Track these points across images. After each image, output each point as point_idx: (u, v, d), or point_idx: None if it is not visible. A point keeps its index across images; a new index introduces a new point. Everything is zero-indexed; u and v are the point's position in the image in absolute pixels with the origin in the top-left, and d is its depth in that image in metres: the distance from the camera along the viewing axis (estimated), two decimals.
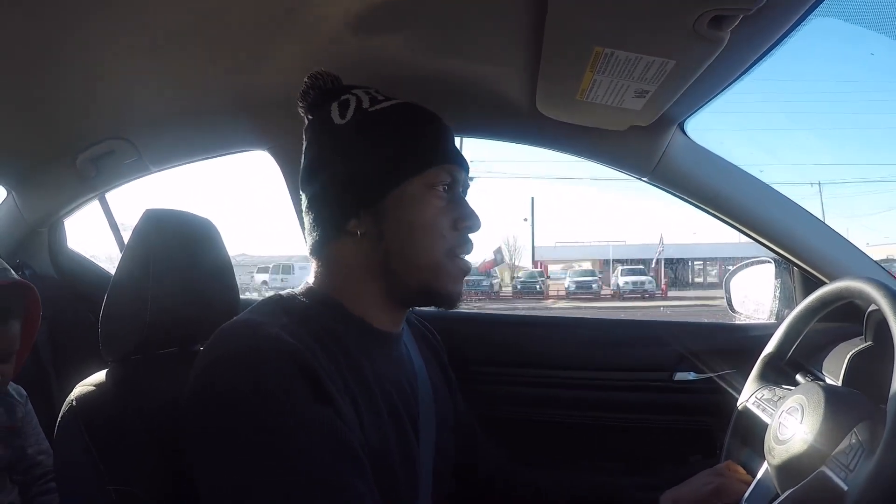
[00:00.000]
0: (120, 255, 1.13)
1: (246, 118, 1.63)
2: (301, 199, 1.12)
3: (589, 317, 2.27)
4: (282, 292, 1.08)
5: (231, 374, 0.83)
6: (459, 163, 1.11)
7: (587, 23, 1.00)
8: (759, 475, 1.15)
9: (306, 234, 1.10)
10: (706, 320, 2.15)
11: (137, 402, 1.02)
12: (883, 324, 1.01)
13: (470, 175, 1.17)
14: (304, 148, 1.12)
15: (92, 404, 1.00)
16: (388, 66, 1.34)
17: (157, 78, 1.43)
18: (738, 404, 1.33)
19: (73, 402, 1.01)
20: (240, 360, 0.84)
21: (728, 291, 2.05)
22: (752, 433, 1.27)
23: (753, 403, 1.26)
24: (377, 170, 1.03)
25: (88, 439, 0.96)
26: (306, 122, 1.13)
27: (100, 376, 1.06)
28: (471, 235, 1.11)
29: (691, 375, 1.79)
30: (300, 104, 1.13)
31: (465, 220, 1.09)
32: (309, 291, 1.07)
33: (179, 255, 1.13)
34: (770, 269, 1.85)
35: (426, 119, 1.11)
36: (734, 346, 1.77)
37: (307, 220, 1.09)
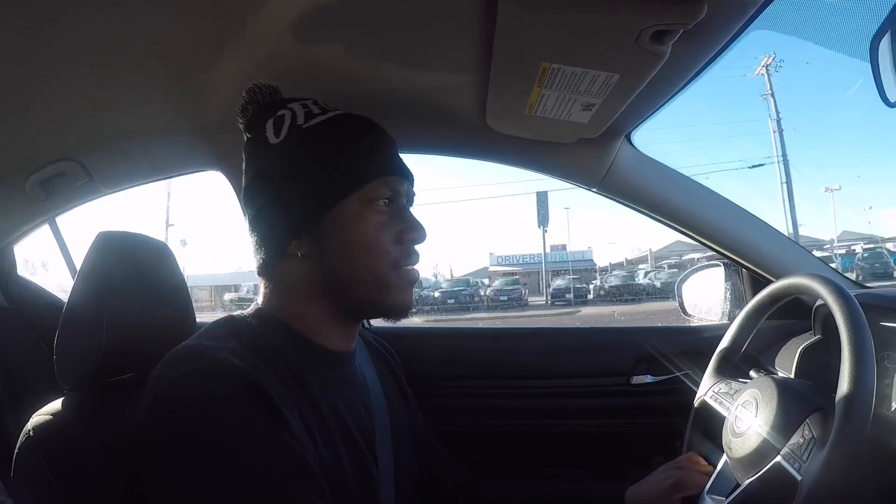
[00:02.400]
0: (72, 281, 1.11)
1: (197, 139, 1.61)
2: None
3: (544, 326, 2.30)
4: (233, 314, 1.07)
5: (182, 399, 0.83)
6: (400, 173, 1.10)
7: (535, 39, 1.02)
8: (718, 467, 1.18)
9: (252, 255, 1.09)
10: (660, 324, 2.19)
11: (96, 430, 1.00)
12: (830, 318, 1.05)
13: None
14: (243, 167, 1.10)
15: (50, 433, 0.98)
16: (337, 83, 1.33)
17: (107, 98, 1.41)
18: (696, 399, 1.36)
19: (31, 433, 0.99)
20: (190, 384, 0.84)
21: (680, 295, 2.09)
22: (710, 426, 1.31)
23: (711, 397, 1.30)
24: (313, 190, 1.02)
25: (48, 469, 0.95)
26: (245, 139, 1.11)
27: (56, 405, 1.03)
28: (416, 246, 1.10)
29: (648, 378, 1.82)
30: (240, 120, 1.11)
31: (408, 233, 1.07)
32: (258, 313, 1.06)
33: (134, 278, 1.11)
34: (720, 272, 1.89)
35: (362, 131, 1.09)
36: (688, 347, 1.81)
37: (251, 241, 1.08)
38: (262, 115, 1.08)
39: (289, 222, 1.03)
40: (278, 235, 1.04)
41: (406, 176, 1.11)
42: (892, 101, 1.04)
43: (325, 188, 1.02)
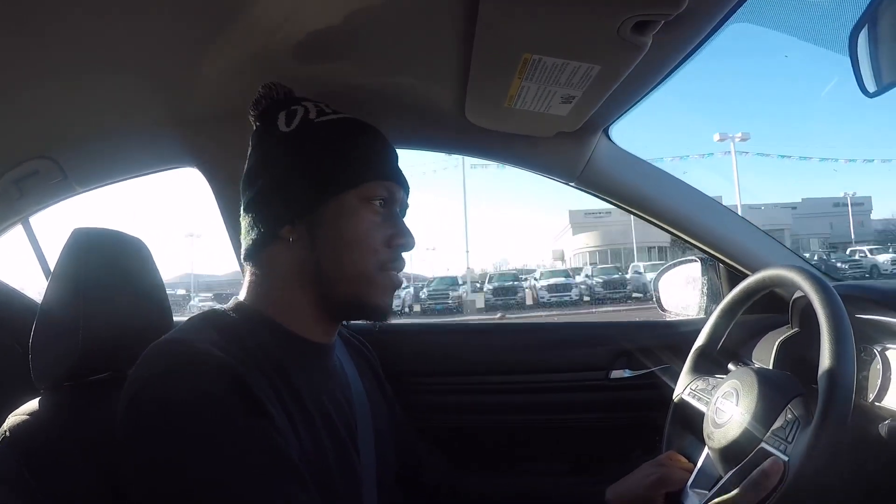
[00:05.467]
0: (46, 281, 1.09)
1: (175, 135, 1.59)
2: (240, 205, 1.12)
3: (521, 322, 2.29)
4: (209, 309, 1.07)
5: (164, 391, 0.83)
6: (399, 181, 1.12)
7: (516, 30, 1.02)
8: (700, 461, 1.19)
9: (242, 238, 1.10)
10: (638, 319, 2.20)
11: (74, 430, 0.99)
12: (807, 310, 1.06)
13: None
14: (248, 153, 1.12)
15: (27, 433, 0.97)
16: (317, 78, 1.32)
17: (84, 96, 1.39)
18: (674, 396, 1.37)
19: (7, 433, 0.97)
20: (172, 377, 0.84)
21: (657, 291, 2.11)
22: (690, 422, 1.31)
23: (689, 395, 1.31)
24: (315, 179, 1.04)
25: (26, 469, 0.93)
26: (254, 127, 1.14)
27: (33, 405, 1.02)
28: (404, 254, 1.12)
29: (626, 373, 1.83)
30: (251, 112, 1.14)
31: (398, 238, 1.09)
32: (239, 306, 1.07)
33: (111, 275, 1.10)
34: (696, 267, 1.91)
35: (369, 134, 1.13)
36: (667, 342, 1.81)
37: (244, 223, 1.09)
38: (274, 107, 1.11)
39: (286, 207, 1.04)
40: (273, 218, 1.05)
41: (403, 185, 1.14)
42: (871, 91, 1.05)
43: (328, 179, 1.04)
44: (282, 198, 1.05)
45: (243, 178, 1.12)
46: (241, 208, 1.10)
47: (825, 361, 0.95)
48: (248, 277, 1.09)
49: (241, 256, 1.10)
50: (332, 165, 1.05)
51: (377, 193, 1.07)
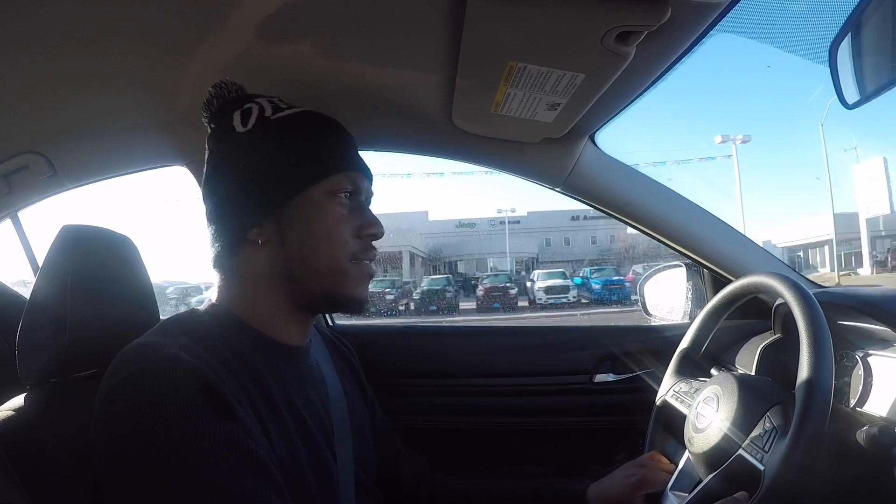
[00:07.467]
0: (34, 277, 1.09)
1: (165, 133, 1.59)
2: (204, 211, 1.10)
3: (506, 325, 2.30)
4: (183, 311, 1.07)
5: (133, 395, 0.83)
6: (362, 171, 1.12)
7: (502, 37, 1.02)
8: (680, 464, 1.20)
9: (209, 247, 1.09)
10: (623, 324, 2.21)
11: (59, 426, 0.98)
12: (790, 317, 1.07)
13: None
14: (206, 157, 1.10)
15: (12, 429, 0.96)
16: (305, 80, 1.33)
17: (73, 90, 1.38)
18: (657, 398, 1.38)
19: None
20: (141, 381, 0.83)
21: (642, 296, 2.12)
22: (672, 424, 1.33)
23: (672, 396, 1.32)
24: (278, 176, 1.03)
25: (10, 464, 0.92)
26: (209, 130, 1.12)
27: (18, 401, 1.01)
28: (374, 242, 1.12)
29: (611, 377, 1.84)
30: (204, 113, 1.12)
31: (367, 228, 1.10)
32: (211, 309, 1.06)
33: (98, 273, 1.10)
34: (681, 272, 1.92)
35: (328, 126, 1.12)
36: (651, 346, 1.83)
37: (209, 231, 1.08)
38: (228, 107, 1.09)
39: (252, 208, 1.03)
40: (239, 222, 1.04)
41: (367, 174, 1.14)
42: (850, 103, 1.06)
43: (291, 176, 1.04)
44: (244, 201, 1.04)
45: (204, 184, 1.10)
46: (206, 216, 1.09)
47: (803, 372, 0.97)
48: (217, 281, 1.09)
49: (210, 264, 1.09)
50: (293, 162, 1.05)
51: (342, 186, 1.07)
